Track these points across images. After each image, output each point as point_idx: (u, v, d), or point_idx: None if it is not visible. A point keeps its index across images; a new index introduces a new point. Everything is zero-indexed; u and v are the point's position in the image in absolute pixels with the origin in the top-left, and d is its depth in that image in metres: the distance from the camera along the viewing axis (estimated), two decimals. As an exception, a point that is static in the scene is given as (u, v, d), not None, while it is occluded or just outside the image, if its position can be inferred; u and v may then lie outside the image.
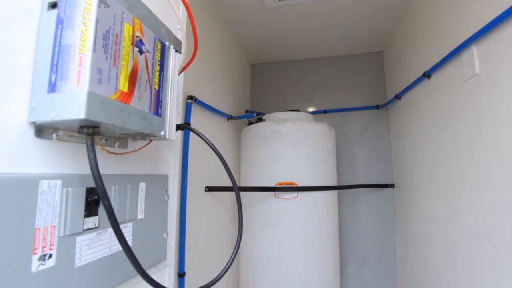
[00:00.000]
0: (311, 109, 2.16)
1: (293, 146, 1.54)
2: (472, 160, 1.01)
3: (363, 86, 2.12)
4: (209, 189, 1.40)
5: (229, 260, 0.59)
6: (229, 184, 1.56)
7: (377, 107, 2.02)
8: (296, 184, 1.49)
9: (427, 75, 1.33)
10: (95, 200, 0.45)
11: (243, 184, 1.68)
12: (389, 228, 1.93)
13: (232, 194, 1.73)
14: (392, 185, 1.94)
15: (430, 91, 1.35)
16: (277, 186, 1.49)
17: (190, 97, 1.21)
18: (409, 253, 1.65)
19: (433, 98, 1.32)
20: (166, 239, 0.66)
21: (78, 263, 0.42)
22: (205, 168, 1.40)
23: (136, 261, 0.41)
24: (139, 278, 0.57)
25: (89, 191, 0.45)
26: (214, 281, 0.58)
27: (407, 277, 1.70)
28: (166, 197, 0.67)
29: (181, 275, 1.10)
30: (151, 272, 0.62)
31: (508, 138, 0.82)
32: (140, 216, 0.57)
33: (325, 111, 2.11)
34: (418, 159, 1.50)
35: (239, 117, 1.76)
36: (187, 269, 1.12)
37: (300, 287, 1.45)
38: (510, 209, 0.82)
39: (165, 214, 0.66)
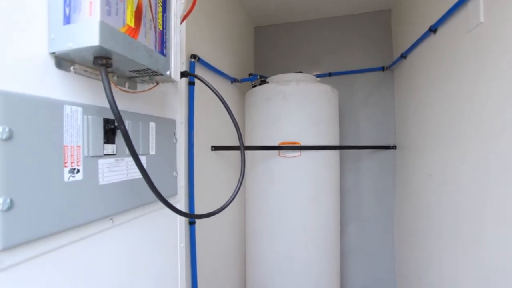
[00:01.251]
0: (315, 73, 2.14)
1: (297, 106, 1.57)
2: (470, 111, 1.03)
3: (368, 48, 2.07)
4: (215, 148, 1.47)
5: (234, 191, 0.66)
6: (234, 144, 1.63)
7: (383, 68, 2.00)
8: (299, 144, 1.54)
9: (433, 29, 1.30)
10: (111, 129, 0.51)
11: (247, 144, 1.74)
12: (388, 189, 2.01)
13: (237, 155, 1.81)
14: (394, 147, 1.97)
15: (435, 47, 1.33)
16: (280, 145, 1.54)
17: (193, 56, 1.23)
18: (407, 209, 1.73)
19: (438, 54, 1.31)
20: (176, 177, 0.73)
21: (101, 181, 0.49)
22: (211, 128, 1.45)
23: (151, 181, 0.48)
24: (153, 206, 0.65)
25: (106, 121, 0.50)
26: (221, 209, 0.65)
27: (403, 231, 1.80)
28: (174, 139, 0.73)
29: (191, 222, 1.20)
30: (160, 206, 0.70)
31: (507, 85, 0.84)
32: (152, 152, 0.63)
33: (330, 74, 2.10)
34: (421, 119, 1.52)
35: (242, 80, 1.78)
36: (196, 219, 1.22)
37: (302, 238, 1.57)
38: (503, 159, 0.85)
39: (174, 155, 0.72)
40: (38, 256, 0.40)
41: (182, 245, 0.77)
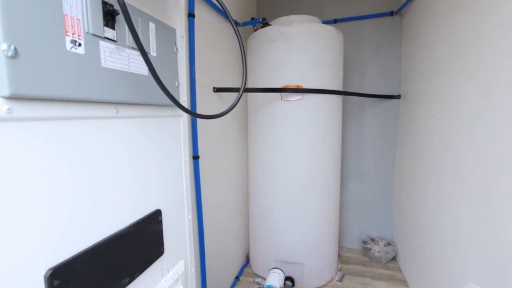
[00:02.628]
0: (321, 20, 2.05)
1: (300, 48, 1.52)
2: (477, 45, 0.99)
3: (378, -9, 1.96)
4: (218, 90, 1.46)
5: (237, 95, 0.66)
6: (236, 86, 1.61)
7: (391, 13, 1.91)
8: (302, 87, 1.53)
9: (448, -43, 1.21)
10: (111, 12, 0.50)
11: (250, 92, 1.73)
12: (390, 144, 2.02)
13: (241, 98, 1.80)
14: (398, 96, 1.95)
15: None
16: (283, 87, 1.53)
17: (193, -14, 1.17)
18: (407, 159, 1.76)
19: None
20: (178, 88, 0.73)
21: (103, 63, 0.50)
22: (213, 69, 1.43)
23: (154, 71, 0.48)
24: (158, 111, 0.66)
25: (105, 3, 0.49)
26: (226, 112, 0.66)
27: (403, 182, 1.84)
28: (175, 49, 0.72)
29: (195, 157, 1.23)
30: (165, 114, 0.71)
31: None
32: (153, 53, 0.63)
33: (335, 21, 2.01)
34: (427, 64, 1.47)
35: (245, 24, 1.72)
36: (199, 154, 1.25)
37: (303, 182, 1.61)
38: (503, 90, 0.84)
39: (175, 64, 0.72)
40: (46, 120, 0.42)
41: (186, 159, 0.80)
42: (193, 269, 0.84)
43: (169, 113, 0.71)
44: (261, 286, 1.66)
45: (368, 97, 1.92)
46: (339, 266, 1.91)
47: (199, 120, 1.27)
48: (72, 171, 0.46)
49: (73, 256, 0.45)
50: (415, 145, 1.62)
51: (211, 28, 1.39)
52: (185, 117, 0.79)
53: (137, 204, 0.60)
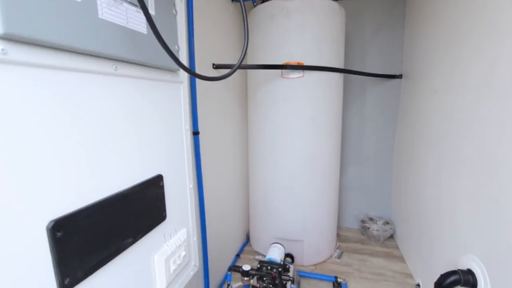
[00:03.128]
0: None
1: (301, 24, 1.49)
2: (482, 24, 0.97)
3: (381, -34, 1.90)
4: (217, 66, 1.43)
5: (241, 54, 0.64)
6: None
7: (395, -11, 1.85)
8: (303, 64, 1.50)
9: None
10: (106, -41, 0.48)
11: (251, 68, 1.70)
12: (391, 122, 2.01)
13: (240, 75, 1.77)
14: (400, 76, 1.93)
15: None
16: (283, 64, 1.50)
17: (191, -46, 1.13)
18: (408, 139, 1.76)
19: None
20: (178, 52, 0.71)
21: (100, 15, 0.47)
22: (212, 45, 1.40)
23: (154, 24, 0.46)
24: (157, 74, 0.64)
25: (100, -51, 0.47)
26: (229, 75, 0.65)
27: (402, 161, 1.85)
28: (174, 11, 0.69)
29: (195, 133, 1.22)
30: (166, 78, 0.69)
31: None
32: (152, 11, 0.60)
33: (337, -3, 1.96)
34: (430, 42, 1.44)
35: (244, -1, 1.67)
36: (200, 129, 1.24)
37: (303, 160, 1.61)
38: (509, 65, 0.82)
39: (175, 27, 0.69)
40: (44, 68, 0.40)
41: (187, 127, 0.79)
42: (195, 238, 0.85)
43: (169, 77, 0.69)
44: (261, 263, 1.68)
45: (370, 77, 1.89)
46: (338, 244, 1.95)
47: (199, 97, 1.24)
48: (73, 124, 0.44)
49: (75, 211, 0.45)
50: (416, 123, 1.61)
51: (209, 3, 1.35)
52: (185, 85, 0.77)
53: (139, 166, 0.60)
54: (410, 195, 1.69)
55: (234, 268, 1.15)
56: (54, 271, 0.41)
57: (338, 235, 2.06)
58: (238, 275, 1.12)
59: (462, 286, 1.02)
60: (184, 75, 0.76)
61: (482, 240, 0.97)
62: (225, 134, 1.59)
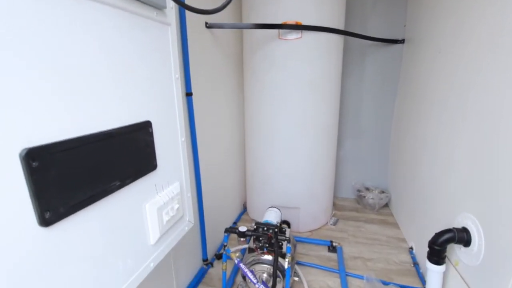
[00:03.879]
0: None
1: (300, -21, 1.39)
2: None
3: None
4: (210, 26, 1.35)
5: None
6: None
7: None
8: (301, 23, 1.42)
9: None
10: None
11: (246, 28, 1.61)
12: (391, 90, 1.96)
13: (234, 35, 1.68)
14: (402, 41, 1.85)
15: None
16: (281, 24, 1.42)
17: None
18: (407, 101, 1.72)
19: None
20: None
21: None
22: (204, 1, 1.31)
23: None
24: (143, 9, 0.58)
25: None
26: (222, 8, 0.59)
27: (401, 131, 1.82)
28: None
29: (188, 93, 1.17)
30: (151, 15, 0.63)
31: None
32: None
33: (338, -46, 1.83)
34: (437, 3, 1.36)
35: (239, -47, 1.55)
36: (193, 91, 1.19)
37: (301, 126, 1.58)
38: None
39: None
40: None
41: (177, 76, 0.74)
42: (189, 194, 0.83)
43: (154, 16, 0.63)
44: (258, 230, 1.70)
45: (371, 41, 1.82)
46: (334, 212, 1.97)
47: (192, 60, 1.17)
48: (48, 47, 0.40)
49: (53, 142, 0.41)
50: (418, 88, 1.57)
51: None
52: (173, 28, 0.71)
53: (125, 108, 0.55)
54: (408, 162, 1.68)
55: (230, 229, 1.15)
56: (33, 202, 0.39)
57: (334, 204, 2.08)
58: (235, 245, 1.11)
59: (456, 243, 1.04)
60: (171, 17, 0.70)
61: (478, 198, 0.97)
62: (220, 100, 1.54)
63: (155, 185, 0.66)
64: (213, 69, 1.43)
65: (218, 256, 1.48)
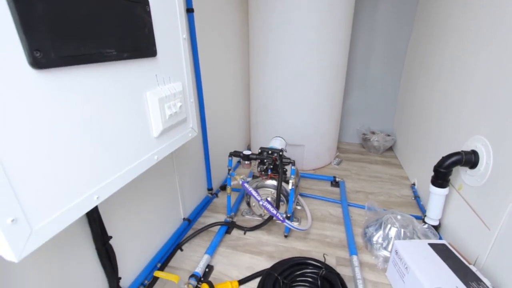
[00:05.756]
0: None
1: None
2: None
3: None
4: None
5: None
6: None
7: None
8: None
9: None
10: None
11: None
12: (404, 32, 1.82)
13: None
14: (423, -34, 1.67)
15: None
16: None
17: None
18: (422, 42, 1.60)
19: None
20: None
21: None
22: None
23: None
24: None
25: None
26: None
27: (413, 72, 1.73)
28: None
29: (189, 10, 1.08)
30: None
31: None
32: None
33: None
34: None
35: None
36: (195, 7, 1.10)
37: (306, 60, 1.50)
38: None
39: None
40: None
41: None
42: (192, 100, 0.80)
43: None
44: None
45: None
46: (338, 153, 1.97)
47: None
48: None
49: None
50: (437, 17, 1.44)
51: None
52: None
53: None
54: (418, 100, 1.62)
55: (234, 153, 1.15)
56: (20, 37, 0.35)
57: (338, 148, 2.07)
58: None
59: (462, 165, 1.03)
60: None
61: (491, 120, 0.93)
62: (223, 21, 1.42)
63: (156, 75, 0.63)
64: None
65: (223, 187, 1.51)
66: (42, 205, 0.40)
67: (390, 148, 2.04)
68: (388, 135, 2.01)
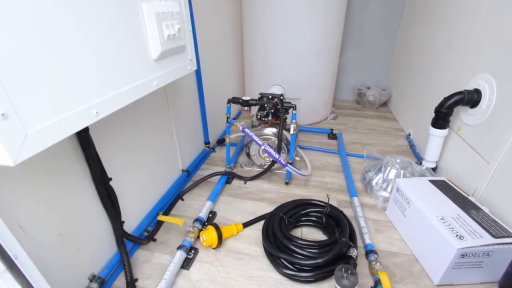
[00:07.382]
0: None
1: None
2: None
3: None
4: None
5: None
6: None
7: None
8: None
9: None
10: None
11: None
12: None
13: None
14: None
15: None
16: None
17: None
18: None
19: None
20: None
21: None
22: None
23: None
24: None
25: None
26: None
27: (409, 29, 1.66)
28: None
29: None
30: None
31: None
32: None
33: None
34: None
35: None
36: None
37: (303, 11, 1.40)
38: None
39: None
40: None
41: None
42: (190, 28, 0.72)
43: None
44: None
45: None
46: (333, 109, 1.95)
47: None
48: None
49: None
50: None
51: None
52: None
53: None
54: (417, 49, 1.58)
55: (233, 99, 1.10)
56: None
57: (333, 105, 2.05)
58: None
59: (464, 105, 1.02)
60: None
61: (496, 56, 0.91)
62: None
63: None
64: None
65: (220, 141, 1.48)
66: (35, 106, 0.35)
67: (385, 104, 2.03)
68: (384, 90, 1.99)
